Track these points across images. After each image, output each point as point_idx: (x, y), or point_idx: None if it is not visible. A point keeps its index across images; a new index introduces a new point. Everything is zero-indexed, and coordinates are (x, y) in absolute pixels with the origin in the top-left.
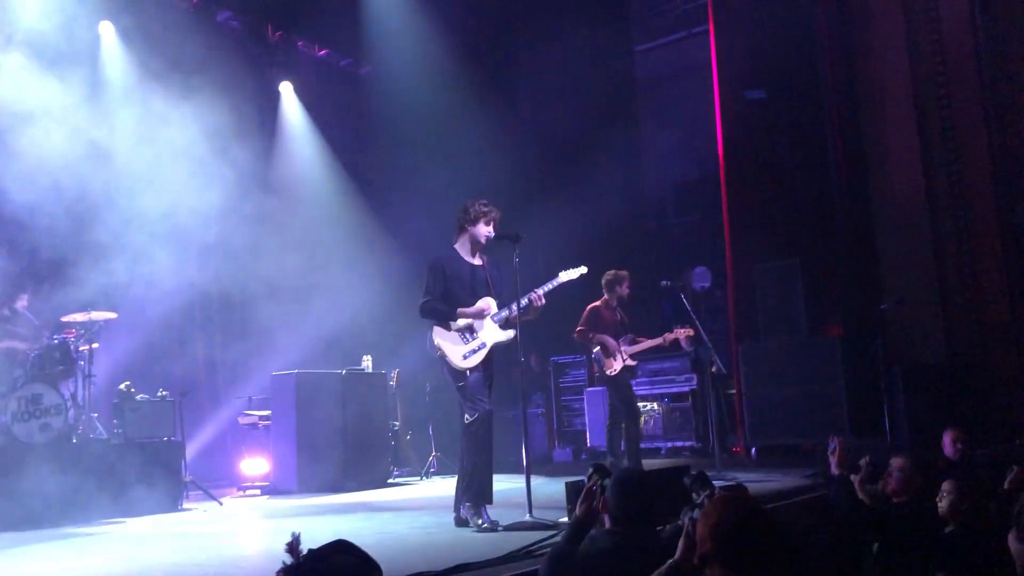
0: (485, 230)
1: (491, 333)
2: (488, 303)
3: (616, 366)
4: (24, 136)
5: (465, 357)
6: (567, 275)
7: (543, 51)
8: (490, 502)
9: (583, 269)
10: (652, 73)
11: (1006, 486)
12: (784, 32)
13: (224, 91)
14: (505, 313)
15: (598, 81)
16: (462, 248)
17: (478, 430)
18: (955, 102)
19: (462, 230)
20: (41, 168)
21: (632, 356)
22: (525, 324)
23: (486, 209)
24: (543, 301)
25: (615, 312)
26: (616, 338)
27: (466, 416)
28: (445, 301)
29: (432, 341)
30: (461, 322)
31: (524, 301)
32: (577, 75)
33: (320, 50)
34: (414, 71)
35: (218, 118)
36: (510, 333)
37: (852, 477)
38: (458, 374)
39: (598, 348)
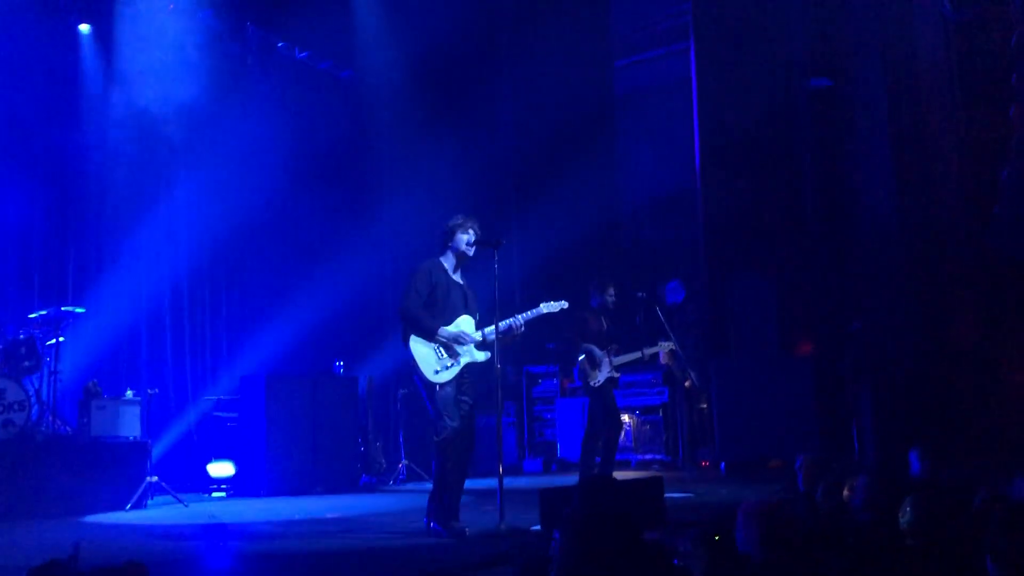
0: (465, 238)
1: (466, 352)
2: (462, 325)
3: (600, 377)
4: None
5: (436, 372)
6: (548, 307)
7: (523, 64)
8: (455, 519)
9: (564, 304)
10: (631, 88)
11: (977, 506)
12: (763, 51)
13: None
14: (482, 334)
15: (577, 94)
16: (447, 262)
17: (445, 447)
18: (929, 124)
19: (444, 247)
20: None
21: (619, 367)
22: (507, 341)
23: (460, 220)
24: (523, 330)
25: (601, 320)
26: (602, 347)
27: (435, 434)
28: (425, 308)
29: (408, 347)
30: (440, 339)
31: (504, 326)
32: (556, 88)
33: (301, 52)
34: (394, 78)
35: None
36: (485, 354)
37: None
38: (429, 386)
39: (583, 357)
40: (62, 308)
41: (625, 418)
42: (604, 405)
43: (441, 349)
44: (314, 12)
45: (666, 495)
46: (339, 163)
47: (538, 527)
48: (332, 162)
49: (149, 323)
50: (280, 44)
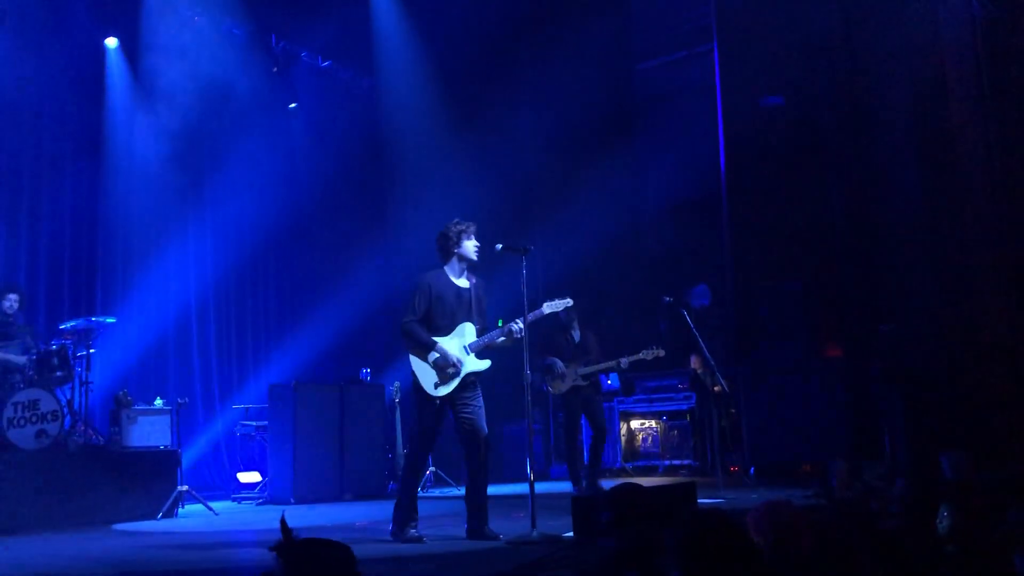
0: (470, 244)
1: (467, 363)
2: (463, 332)
3: (563, 387)
4: None
5: (436, 386)
6: (551, 307)
7: (544, 68)
8: (412, 526)
9: (568, 301)
10: (653, 91)
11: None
12: (787, 53)
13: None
14: (484, 341)
15: (598, 98)
16: (450, 269)
17: (411, 459)
18: (956, 123)
19: (449, 254)
20: None
21: (587, 376)
22: (505, 347)
23: (463, 226)
24: (523, 333)
25: (567, 335)
26: (569, 359)
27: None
28: (425, 322)
29: (409, 360)
30: (434, 355)
31: (504, 331)
32: (578, 92)
33: (323, 61)
34: (416, 85)
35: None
36: (486, 363)
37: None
38: (426, 399)
39: (542, 369)
40: (92, 319)
41: (652, 423)
42: (569, 413)
43: (439, 365)
44: (336, 22)
45: (698, 500)
46: (363, 171)
47: (571, 534)
48: (357, 170)
49: (177, 333)
50: (303, 54)
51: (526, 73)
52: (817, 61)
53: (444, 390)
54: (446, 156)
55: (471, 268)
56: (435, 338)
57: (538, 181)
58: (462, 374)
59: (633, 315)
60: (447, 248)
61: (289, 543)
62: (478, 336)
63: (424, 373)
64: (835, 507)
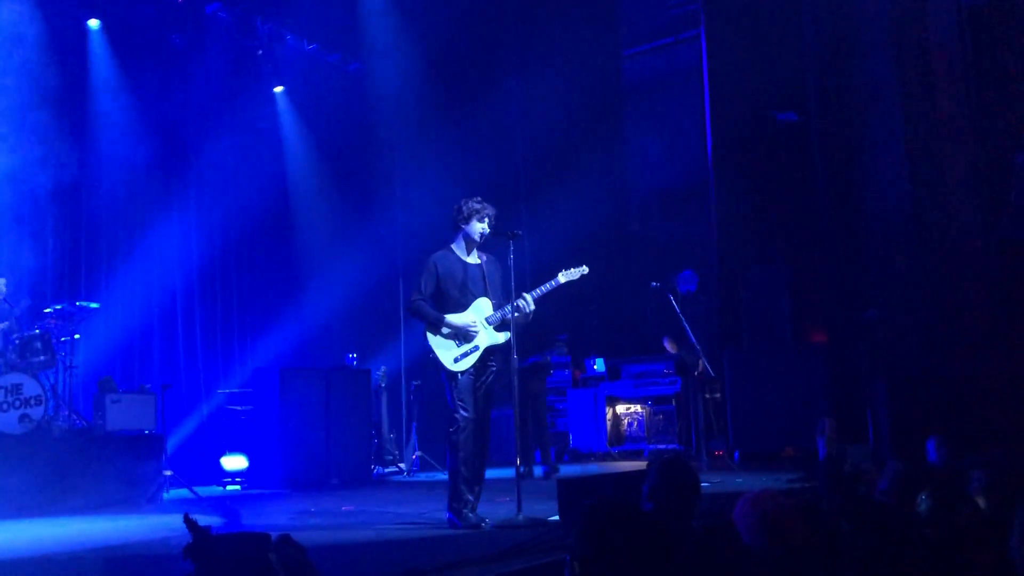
0: (479, 227)
1: (485, 336)
2: (480, 308)
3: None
4: None
5: (456, 360)
6: (566, 276)
7: (531, 53)
8: (473, 510)
9: (584, 269)
10: (640, 78)
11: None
12: (774, 39)
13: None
14: (500, 315)
15: (586, 84)
16: (458, 247)
17: (457, 438)
18: (942, 111)
19: (457, 228)
20: None
21: None
22: (520, 324)
23: (479, 207)
24: (532, 307)
25: None
26: None
27: (449, 426)
28: (436, 300)
29: (426, 339)
30: (445, 329)
31: (520, 304)
32: (566, 77)
33: (309, 44)
34: (403, 69)
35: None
36: (505, 335)
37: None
38: (450, 375)
39: None
40: (76, 304)
41: (638, 408)
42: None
43: (454, 337)
44: (322, 4)
45: None
46: (349, 156)
47: (556, 517)
48: (343, 155)
49: (162, 317)
50: (289, 37)
51: (513, 58)
52: (803, 49)
53: (466, 363)
54: (433, 141)
55: (477, 247)
56: (452, 314)
57: (525, 166)
58: (482, 348)
59: (619, 300)
60: (456, 222)
61: (200, 543)
62: (494, 311)
63: (443, 349)
64: (824, 470)
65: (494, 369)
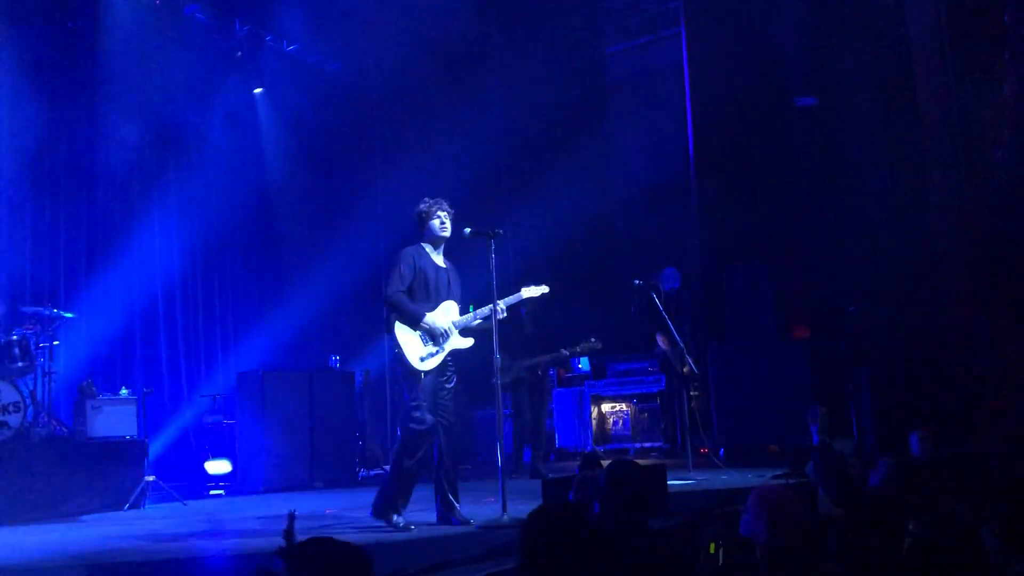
0: (437, 223)
1: (452, 339)
2: (448, 310)
3: (507, 379)
4: None
5: (423, 359)
6: (529, 292)
7: (514, 51)
8: (398, 512)
9: (544, 288)
10: (623, 75)
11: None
12: (754, 37)
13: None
14: (463, 321)
15: (569, 82)
16: (428, 247)
17: (417, 440)
18: (921, 107)
19: (421, 231)
20: None
21: (531, 368)
22: (482, 329)
23: (429, 204)
24: (504, 314)
25: (517, 326)
26: (516, 352)
27: (408, 423)
28: (408, 295)
29: (393, 333)
30: (423, 326)
31: (486, 311)
32: (548, 75)
33: (289, 45)
34: (383, 69)
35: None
36: (469, 341)
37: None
38: (412, 374)
39: None
40: (55, 310)
41: (623, 406)
42: (516, 401)
43: (426, 335)
44: (302, 5)
45: (668, 482)
46: (331, 156)
47: None
48: (324, 156)
49: (143, 322)
50: (268, 38)
51: (496, 56)
52: (784, 43)
53: (431, 363)
54: (415, 141)
55: (440, 248)
56: (430, 313)
57: (508, 165)
58: (447, 350)
59: (603, 298)
60: (419, 225)
61: (294, 546)
62: (460, 316)
63: (411, 346)
64: (814, 455)
65: (453, 372)
